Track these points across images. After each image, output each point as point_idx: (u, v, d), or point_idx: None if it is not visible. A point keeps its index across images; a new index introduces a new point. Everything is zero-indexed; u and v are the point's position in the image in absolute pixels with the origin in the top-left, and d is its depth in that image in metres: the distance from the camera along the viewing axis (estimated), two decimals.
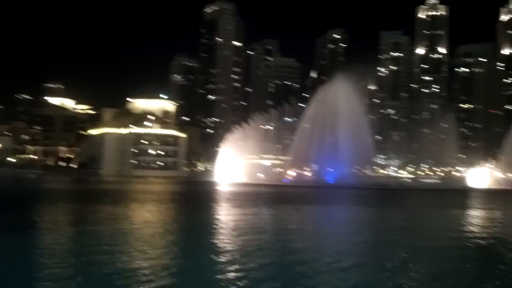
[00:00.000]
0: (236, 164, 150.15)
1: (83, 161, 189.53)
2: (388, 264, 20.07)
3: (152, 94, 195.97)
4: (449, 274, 19.03)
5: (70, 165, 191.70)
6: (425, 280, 17.95)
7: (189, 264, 19.82)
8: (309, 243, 25.99)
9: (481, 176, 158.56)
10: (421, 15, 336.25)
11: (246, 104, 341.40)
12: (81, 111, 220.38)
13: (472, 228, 35.14)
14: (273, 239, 27.41)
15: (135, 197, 57.76)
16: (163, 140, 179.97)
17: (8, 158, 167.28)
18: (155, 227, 30.96)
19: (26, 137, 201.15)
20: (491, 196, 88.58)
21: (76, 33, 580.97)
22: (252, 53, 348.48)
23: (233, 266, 19.13)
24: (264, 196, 70.62)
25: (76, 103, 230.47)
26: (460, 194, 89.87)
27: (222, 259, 20.51)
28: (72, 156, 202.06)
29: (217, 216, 40.07)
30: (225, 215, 40.91)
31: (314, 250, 23.82)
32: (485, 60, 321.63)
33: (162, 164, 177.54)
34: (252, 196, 69.37)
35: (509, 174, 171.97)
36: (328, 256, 21.69)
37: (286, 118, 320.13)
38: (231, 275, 17.63)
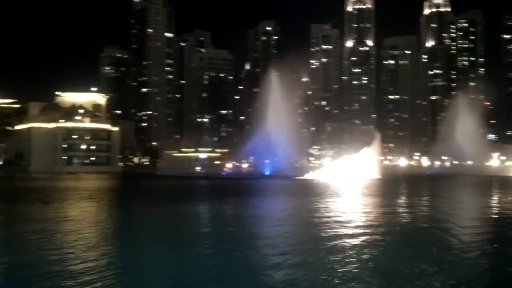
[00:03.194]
0: (173, 157, 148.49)
1: (9, 157, 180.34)
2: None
3: (81, 87, 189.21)
4: None
5: None
6: None
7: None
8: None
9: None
10: (349, 8, 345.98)
11: (180, 96, 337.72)
12: (6, 105, 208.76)
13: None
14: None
15: (64, 195, 55.37)
16: (95, 135, 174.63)
17: None
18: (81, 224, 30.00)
19: None
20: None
21: (0, 23, 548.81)
22: (184, 44, 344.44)
23: None
24: (199, 190, 70.34)
25: (0, 97, 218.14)
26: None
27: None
28: None
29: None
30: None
31: None
32: (410, 52, 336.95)
33: (95, 159, 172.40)
34: (188, 190, 68.89)
35: (436, 162, 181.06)
36: None
37: (221, 111, 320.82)
38: None
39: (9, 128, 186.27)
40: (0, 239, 25.57)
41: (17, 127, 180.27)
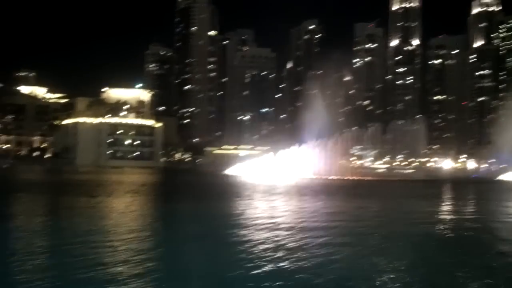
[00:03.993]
0: (214, 154, 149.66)
1: (57, 151, 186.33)
2: None
3: (127, 83, 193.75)
4: None
5: (44, 155, 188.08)
6: None
7: None
8: None
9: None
10: (395, 7, 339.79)
11: (221, 94, 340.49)
12: (54, 100, 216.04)
13: None
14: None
15: (113, 188, 56.70)
16: (139, 130, 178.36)
17: None
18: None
19: None
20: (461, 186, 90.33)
21: (49, 20, 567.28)
22: (227, 42, 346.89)
23: None
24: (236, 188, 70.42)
25: (49, 92, 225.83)
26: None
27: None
28: (45, 146, 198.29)
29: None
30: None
31: None
32: (457, 52, 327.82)
33: (138, 154, 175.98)
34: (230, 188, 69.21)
35: (484, 165, 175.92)
36: None
37: (262, 109, 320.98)
38: None
39: (57, 122, 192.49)
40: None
41: (65, 122, 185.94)
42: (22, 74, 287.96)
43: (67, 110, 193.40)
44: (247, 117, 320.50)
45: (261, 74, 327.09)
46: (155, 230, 26.16)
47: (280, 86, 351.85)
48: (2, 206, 34.23)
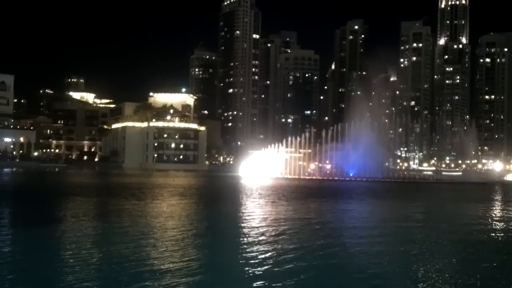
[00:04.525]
0: (258, 157, 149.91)
1: (105, 154, 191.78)
2: None
3: (172, 88, 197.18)
4: None
5: (93, 158, 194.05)
6: None
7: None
8: None
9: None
10: (442, 4, 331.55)
11: (265, 96, 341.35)
12: (103, 105, 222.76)
13: None
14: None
15: (159, 191, 57.93)
16: (184, 134, 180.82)
17: (33, 153, 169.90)
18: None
19: (49, 132, 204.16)
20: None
21: (98, 28, 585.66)
22: (270, 45, 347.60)
23: None
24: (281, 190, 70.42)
25: (97, 97, 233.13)
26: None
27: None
28: (94, 150, 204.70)
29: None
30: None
31: None
32: (508, 50, 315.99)
33: (183, 157, 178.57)
34: (277, 190, 69.21)
35: None
36: None
37: (306, 111, 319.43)
38: None
39: (105, 126, 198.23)
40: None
41: (113, 126, 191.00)
42: (72, 80, 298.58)
43: (115, 115, 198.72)
44: (290, 119, 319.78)
45: (305, 76, 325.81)
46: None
47: (324, 88, 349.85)
48: (54, 209, 35.74)
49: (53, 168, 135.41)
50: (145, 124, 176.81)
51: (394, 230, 29.94)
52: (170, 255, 20.31)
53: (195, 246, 23.06)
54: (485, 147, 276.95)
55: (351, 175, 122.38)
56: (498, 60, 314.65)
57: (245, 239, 25.08)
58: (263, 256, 20.53)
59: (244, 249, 21.98)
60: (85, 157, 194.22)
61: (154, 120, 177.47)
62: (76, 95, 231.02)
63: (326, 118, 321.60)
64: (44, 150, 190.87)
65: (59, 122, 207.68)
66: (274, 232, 27.09)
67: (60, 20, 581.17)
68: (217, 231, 28.26)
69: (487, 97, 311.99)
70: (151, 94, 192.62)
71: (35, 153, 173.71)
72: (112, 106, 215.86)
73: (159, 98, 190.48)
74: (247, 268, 18.22)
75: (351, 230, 29.51)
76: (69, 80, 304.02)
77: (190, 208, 40.35)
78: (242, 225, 30.61)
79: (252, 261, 19.45)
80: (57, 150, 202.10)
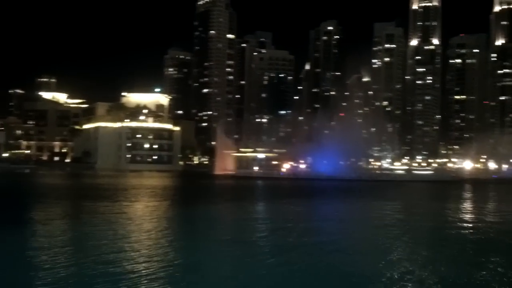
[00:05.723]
0: (232, 157, 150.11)
1: (77, 155, 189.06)
2: None
3: (146, 87, 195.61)
4: None
5: (65, 159, 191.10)
6: None
7: None
8: None
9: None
10: (414, 6, 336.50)
11: (240, 96, 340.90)
12: (74, 105, 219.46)
13: None
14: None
15: (132, 193, 57.51)
16: (158, 134, 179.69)
17: (2, 154, 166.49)
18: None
19: (20, 132, 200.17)
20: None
21: (69, 27, 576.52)
22: (245, 45, 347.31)
23: None
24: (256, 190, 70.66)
25: (69, 97, 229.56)
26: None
27: None
28: (66, 151, 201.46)
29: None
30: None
31: None
32: (479, 51, 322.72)
33: (157, 157, 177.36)
34: (252, 190, 69.44)
35: (504, 166, 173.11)
36: None
37: (280, 111, 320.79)
38: None
39: (77, 127, 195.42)
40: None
41: (85, 126, 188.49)
42: (43, 80, 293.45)
43: (87, 115, 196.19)
44: (265, 120, 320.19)
45: (280, 76, 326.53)
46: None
47: (298, 88, 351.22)
48: (25, 211, 35.15)
49: (23, 169, 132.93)
50: (118, 124, 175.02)
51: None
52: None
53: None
54: (455, 146, 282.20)
55: (324, 174, 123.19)
56: (468, 61, 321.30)
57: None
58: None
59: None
60: (56, 158, 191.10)
61: (127, 120, 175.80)
62: (47, 95, 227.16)
63: (301, 118, 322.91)
64: (14, 151, 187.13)
65: (29, 122, 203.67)
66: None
67: (32, 19, 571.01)
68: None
69: (457, 97, 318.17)
70: (124, 94, 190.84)
71: (5, 154, 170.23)
72: (85, 106, 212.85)
73: (133, 98, 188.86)
74: None
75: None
76: (40, 80, 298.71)
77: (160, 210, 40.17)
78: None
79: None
80: (27, 151, 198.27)
